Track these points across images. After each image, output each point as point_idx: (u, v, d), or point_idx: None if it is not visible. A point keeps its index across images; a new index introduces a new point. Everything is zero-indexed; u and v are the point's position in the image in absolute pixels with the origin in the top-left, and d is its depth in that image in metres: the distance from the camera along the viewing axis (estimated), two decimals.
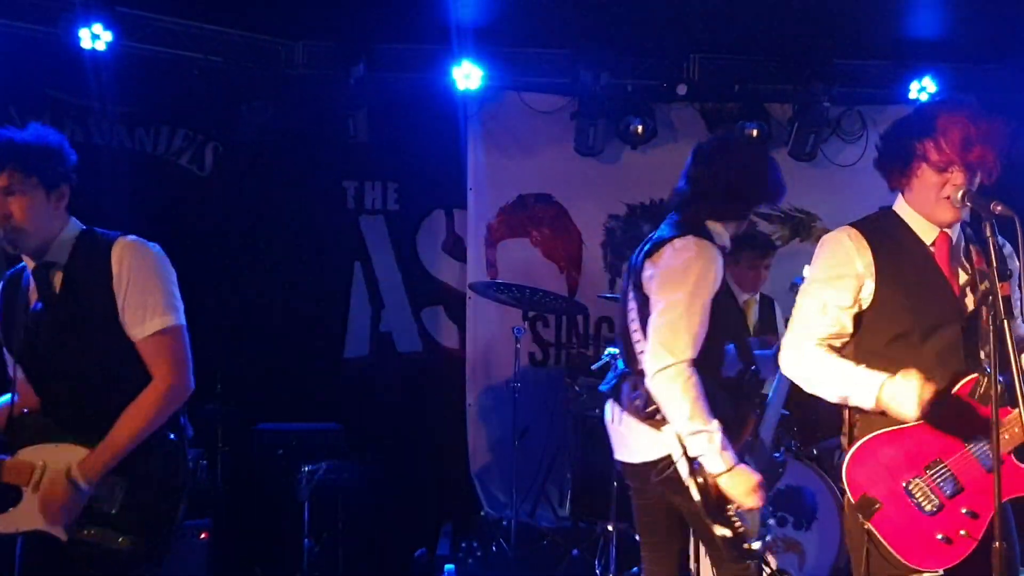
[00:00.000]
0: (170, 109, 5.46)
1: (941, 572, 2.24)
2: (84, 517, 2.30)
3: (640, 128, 5.57)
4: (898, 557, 2.25)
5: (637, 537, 2.83)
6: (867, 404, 2.26)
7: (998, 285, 2.09)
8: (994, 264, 2.11)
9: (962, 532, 2.22)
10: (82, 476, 2.27)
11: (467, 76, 5.31)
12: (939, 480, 2.26)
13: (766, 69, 5.64)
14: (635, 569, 4.07)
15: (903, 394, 2.17)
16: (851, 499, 2.32)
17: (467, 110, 5.69)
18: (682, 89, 5.54)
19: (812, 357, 2.38)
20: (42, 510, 2.28)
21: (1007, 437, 2.21)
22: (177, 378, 2.35)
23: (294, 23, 5.36)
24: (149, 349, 2.33)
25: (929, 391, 2.15)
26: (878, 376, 2.24)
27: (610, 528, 4.08)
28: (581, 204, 5.89)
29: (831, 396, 2.37)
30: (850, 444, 2.36)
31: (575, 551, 4.34)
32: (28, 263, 2.42)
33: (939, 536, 2.23)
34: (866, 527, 2.28)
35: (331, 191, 5.79)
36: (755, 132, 5.62)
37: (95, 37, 4.72)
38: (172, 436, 2.38)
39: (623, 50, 5.39)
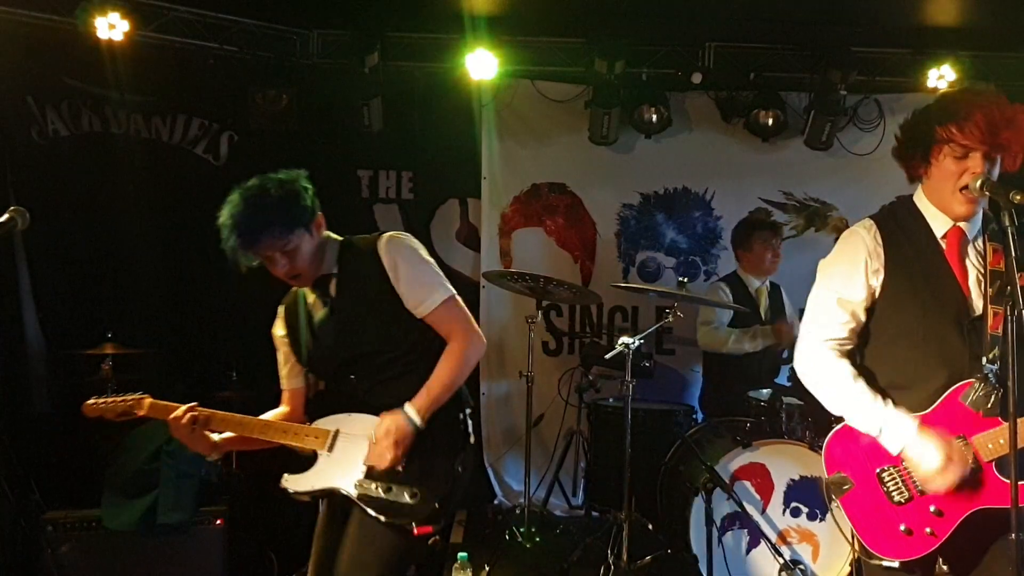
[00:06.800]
0: (186, 98, 5.48)
1: (897, 564, 2.24)
2: (373, 475, 2.48)
3: (655, 117, 5.55)
4: (860, 539, 2.28)
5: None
6: (890, 448, 2.27)
7: (1016, 275, 2.06)
8: (1013, 254, 2.08)
9: (927, 530, 2.22)
10: (416, 412, 2.46)
11: (482, 65, 5.30)
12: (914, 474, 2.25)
13: (782, 57, 5.60)
14: (647, 558, 4.08)
15: (926, 456, 2.19)
16: (825, 474, 2.35)
17: (481, 99, 5.69)
18: (697, 78, 5.51)
19: (830, 368, 2.36)
20: (381, 449, 2.44)
21: (991, 447, 2.19)
22: (470, 334, 2.59)
23: (309, 12, 5.36)
24: (437, 320, 2.58)
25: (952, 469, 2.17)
26: (908, 429, 2.23)
27: (623, 517, 4.08)
28: (595, 193, 5.88)
29: (833, 411, 2.38)
30: (837, 421, 2.38)
31: (588, 540, 4.35)
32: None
33: (902, 527, 2.24)
34: (834, 504, 2.31)
35: (345, 180, 5.80)
36: (770, 121, 5.60)
37: (111, 27, 4.75)
38: (459, 405, 2.59)
39: (638, 39, 5.36)
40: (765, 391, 4.38)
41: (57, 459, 4.71)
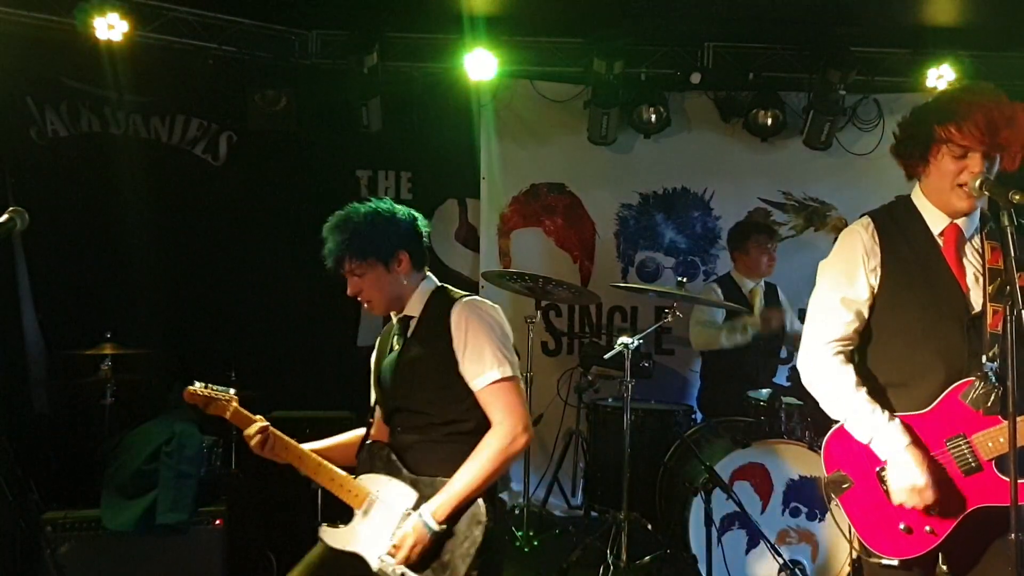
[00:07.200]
0: (185, 99, 5.48)
1: (896, 562, 2.24)
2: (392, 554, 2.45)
3: (653, 117, 5.56)
4: (859, 538, 2.28)
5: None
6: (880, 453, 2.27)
7: (1015, 275, 2.06)
8: (1012, 254, 2.08)
9: (927, 528, 2.22)
10: (433, 518, 2.42)
11: (480, 65, 5.30)
12: None
13: (781, 57, 5.61)
14: (646, 558, 4.08)
15: (907, 474, 2.19)
16: (824, 473, 2.34)
17: (480, 99, 5.69)
18: (696, 78, 5.52)
19: (834, 375, 2.35)
20: (402, 552, 2.41)
21: (991, 445, 2.18)
22: (511, 424, 2.47)
23: (308, 13, 5.36)
24: (486, 398, 2.50)
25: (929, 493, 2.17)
26: (898, 439, 2.22)
27: (622, 517, 4.09)
28: (594, 193, 5.88)
29: (832, 415, 2.37)
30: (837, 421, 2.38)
31: (587, 540, 4.35)
32: (394, 316, 2.72)
33: (901, 526, 2.24)
34: (833, 503, 2.31)
35: (344, 180, 5.80)
36: (769, 121, 5.60)
37: (110, 27, 4.74)
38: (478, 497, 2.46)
39: (637, 39, 5.36)
40: (764, 391, 4.38)
41: (56, 459, 4.72)
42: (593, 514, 4.88)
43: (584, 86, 5.57)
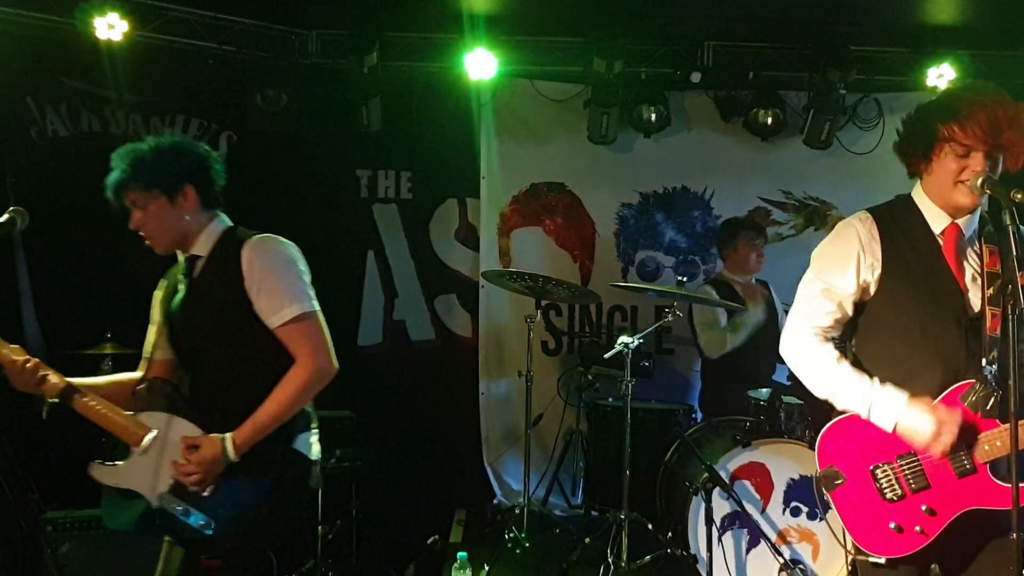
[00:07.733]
0: (184, 98, 5.47)
1: (883, 560, 2.24)
2: (177, 491, 2.39)
3: (654, 116, 5.56)
4: (848, 534, 2.29)
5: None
6: (882, 425, 2.26)
7: (1016, 274, 2.06)
8: (1013, 252, 2.08)
9: (917, 528, 2.22)
10: (232, 446, 2.37)
11: (480, 64, 5.30)
12: (908, 472, 2.25)
13: (781, 56, 5.60)
14: (647, 557, 4.08)
15: (918, 424, 2.18)
16: (817, 467, 2.35)
17: (480, 98, 5.69)
18: (696, 77, 5.51)
19: (814, 352, 2.38)
20: (189, 470, 2.36)
21: (987, 448, 2.19)
22: (315, 359, 2.46)
23: (307, 12, 5.36)
24: (286, 336, 2.46)
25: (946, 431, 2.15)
26: (897, 399, 2.23)
27: (622, 516, 4.09)
28: (594, 193, 5.88)
29: (819, 393, 2.38)
30: (833, 415, 2.39)
31: (587, 539, 4.35)
32: (180, 256, 2.62)
33: (892, 525, 2.24)
34: (825, 498, 2.31)
35: (344, 180, 5.80)
36: (769, 120, 5.60)
37: (110, 27, 4.74)
38: (279, 435, 2.44)
39: (637, 38, 5.36)
40: (764, 390, 4.38)
41: (56, 459, 4.71)
42: (593, 514, 4.88)
43: (584, 85, 5.57)
